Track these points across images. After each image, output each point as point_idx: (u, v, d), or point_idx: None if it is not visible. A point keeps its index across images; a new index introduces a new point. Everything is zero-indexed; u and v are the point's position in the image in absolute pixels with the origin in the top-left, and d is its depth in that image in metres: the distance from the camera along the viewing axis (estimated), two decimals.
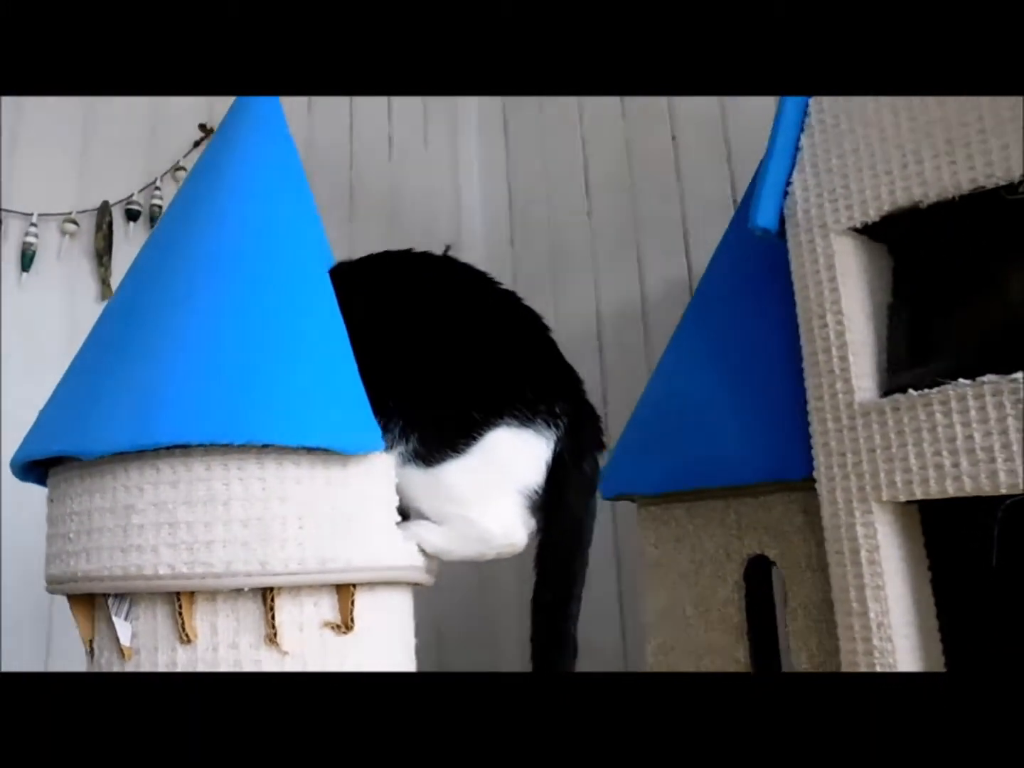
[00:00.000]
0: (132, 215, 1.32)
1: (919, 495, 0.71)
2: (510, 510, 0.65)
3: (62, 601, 0.63)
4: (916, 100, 0.77)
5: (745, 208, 0.90)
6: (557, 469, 0.65)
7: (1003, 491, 0.66)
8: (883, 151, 0.79)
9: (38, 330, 1.20)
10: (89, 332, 0.69)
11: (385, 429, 0.62)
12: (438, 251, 1.77)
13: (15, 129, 1.24)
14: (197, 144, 1.43)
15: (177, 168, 1.39)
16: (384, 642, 0.61)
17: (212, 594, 0.56)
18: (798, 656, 0.83)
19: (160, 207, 1.35)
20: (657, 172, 1.56)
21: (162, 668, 0.56)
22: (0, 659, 1.02)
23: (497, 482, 0.64)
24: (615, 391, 1.58)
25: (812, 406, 0.80)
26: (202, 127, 1.45)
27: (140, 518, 0.55)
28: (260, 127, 0.75)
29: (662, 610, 0.94)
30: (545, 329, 0.73)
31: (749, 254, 0.94)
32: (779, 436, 0.85)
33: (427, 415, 0.63)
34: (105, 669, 0.58)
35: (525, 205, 1.80)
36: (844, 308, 0.79)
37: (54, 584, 0.60)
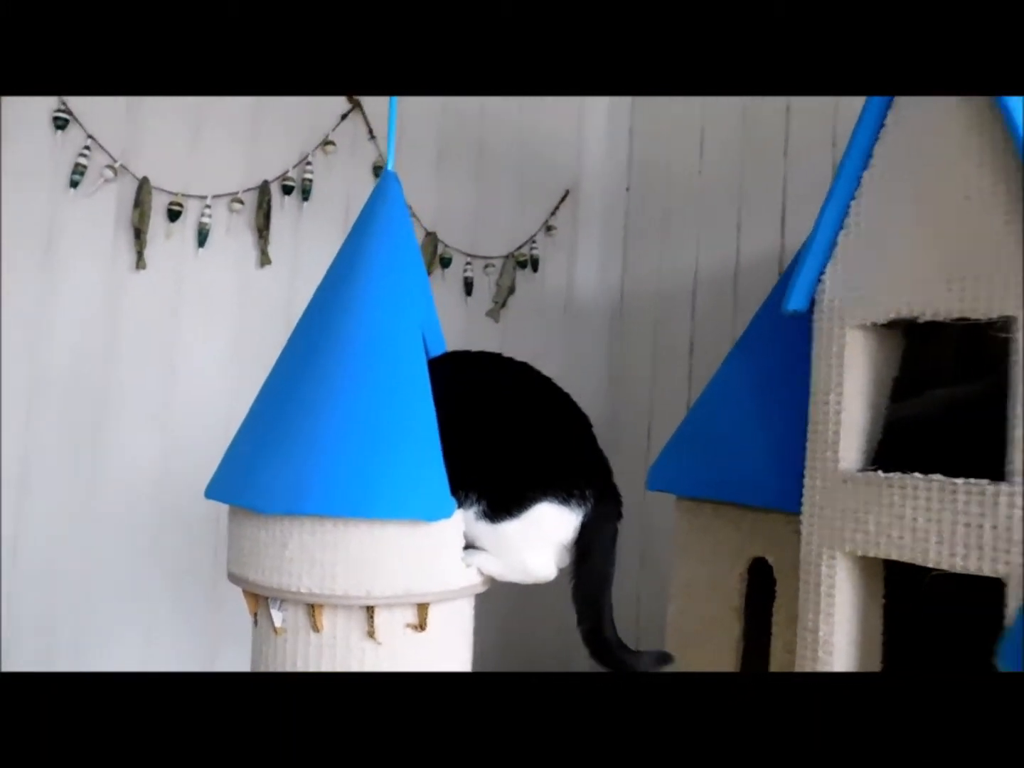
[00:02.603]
0: (287, 190, 1.56)
1: (871, 553, 0.91)
2: (547, 556, 0.91)
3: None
4: (931, 228, 0.89)
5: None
6: (584, 534, 0.90)
7: (931, 565, 0.85)
8: (896, 268, 0.92)
9: (212, 297, 1.49)
10: (260, 388, 0.96)
11: (466, 495, 0.88)
12: (559, 193, 1.93)
13: (193, 124, 1.48)
14: (344, 116, 1.62)
15: (326, 143, 1.60)
16: (449, 635, 0.90)
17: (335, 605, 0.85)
18: (776, 642, 1.06)
19: (311, 180, 1.58)
20: (767, 142, 1.63)
21: (300, 646, 0.86)
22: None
23: (539, 538, 0.90)
24: (701, 351, 1.75)
25: (808, 464, 0.99)
26: (349, 99, 1.64)
27: (290, 553, 0.84)
28: (389, 226, 0.97)
29: (684, 582, 1.19)
30: (588, 426, 0.96)
31: None
32: (790, 474, 1.04)
33: (495, 489, 0.88)
34: (263, 638, 0.89)
35: (644, 156, 1.92)
36: (845, 391, 0.96)
37: (233, 579, 0.91)
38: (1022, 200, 0.81)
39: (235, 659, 1.36)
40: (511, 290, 1.84)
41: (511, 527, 0.89)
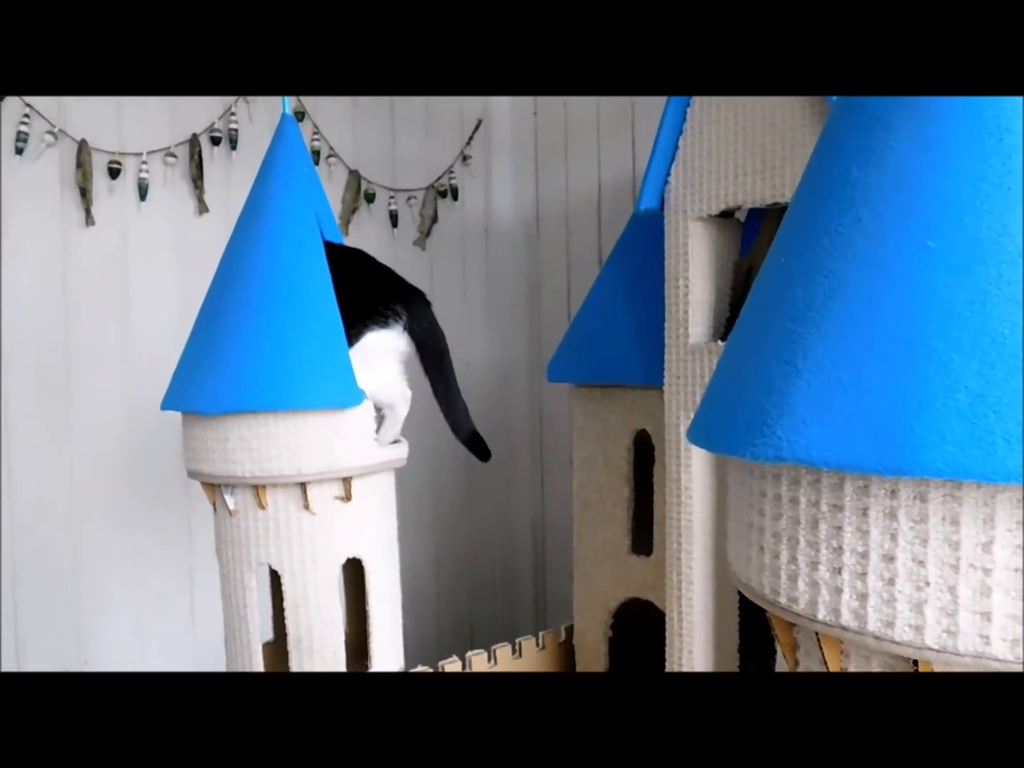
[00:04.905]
0: (215, 141, 1.70)
1: None
2: (395, 374, 1.13)
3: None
4: (750, 123, 1.07)
5: None
6: (412, 334, 1.12)
7: None
8: (721, 163, 1.10)
9: (157, 245, 1.65)
10: (199, 311, 1.12)
11: None
12: (471, 124, 2.08)
13: None
14: None
15: None
16: (373, 505, 1.10)
17: (275, 484, 1.04)
18: (657, 498, 1.26)
19: (236, 130, 1.72)
20: None
21: (251, 523, 1.05)
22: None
23: (376, 359, 1.10)
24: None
25: (667, 341, 1.18)
26: None
27: (232, 445, 1.02)
28: (287, 161, 1.13)
29: (583, 458, 1.39)
30: (389, 271, 1.18)
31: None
32: (657, 356, 1.22)
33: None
34: (222, 522, 1.08)
35: None
36: (691, 275, 1.14)
37: (191, 475, 1.09)
38: (815, 115, 0.99)
39: (211, 571, 1.54)
40: (434, 219, 2.00)
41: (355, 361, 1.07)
